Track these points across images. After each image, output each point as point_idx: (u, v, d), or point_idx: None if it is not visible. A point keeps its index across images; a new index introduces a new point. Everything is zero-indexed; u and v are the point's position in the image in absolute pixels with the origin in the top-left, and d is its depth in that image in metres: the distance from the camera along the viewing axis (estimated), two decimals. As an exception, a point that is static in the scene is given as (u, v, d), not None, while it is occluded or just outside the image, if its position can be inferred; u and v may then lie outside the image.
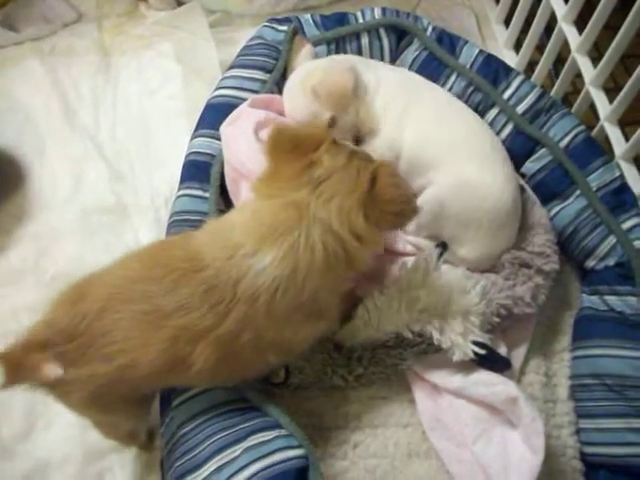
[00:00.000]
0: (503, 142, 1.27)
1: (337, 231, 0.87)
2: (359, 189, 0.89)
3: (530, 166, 1.30)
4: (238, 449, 0.93)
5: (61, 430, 1.23)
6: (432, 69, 1.36)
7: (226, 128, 1.21)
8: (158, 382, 0.94)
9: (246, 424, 0.97)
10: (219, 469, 0.92)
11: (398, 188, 0.92)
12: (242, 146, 1.16)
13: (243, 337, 0.87)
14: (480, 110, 1.32)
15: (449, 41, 1.38)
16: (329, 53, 1.38)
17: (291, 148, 0.92)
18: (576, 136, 1.27)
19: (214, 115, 1.26)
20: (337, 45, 1.39)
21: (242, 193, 1.15)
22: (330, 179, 0.89)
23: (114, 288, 0.88)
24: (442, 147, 1.19)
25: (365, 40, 1.39)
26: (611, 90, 1.38)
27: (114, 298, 0.86)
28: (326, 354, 1.08)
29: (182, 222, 1.17)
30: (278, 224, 0.87)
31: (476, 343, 1.03)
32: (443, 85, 1.35)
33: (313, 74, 1.20)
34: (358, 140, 1.26)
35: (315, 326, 0.95)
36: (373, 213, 0.89)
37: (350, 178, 0.90)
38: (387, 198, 0.90)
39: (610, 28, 1.33)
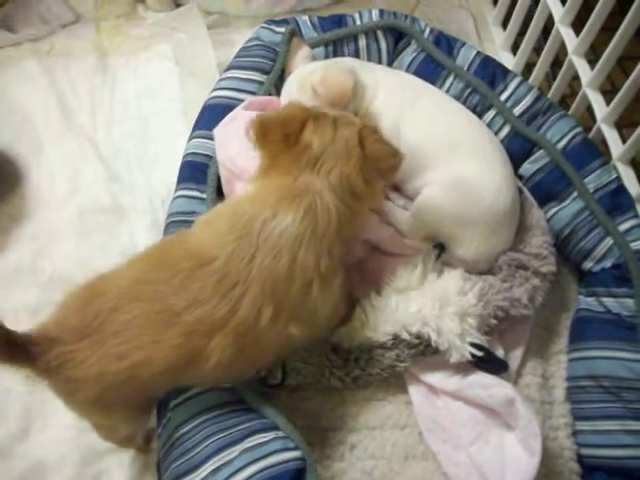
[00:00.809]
0: (500, 143, 1.27)
1: (341, 196, 0.95)
2: (352, 156, 0.97)
3: (527, 168, 1.30)
4: (235, 451, 0.93)
5: (58, 431, 1.23)
6: (429, 71, 1.36)
7: (219, 129, 1.21)
8: (173, 379, 0.93)
9: (243, 426, 0.96)
10: (216, 471, 0.92)
11: (383, 144, 1.00)
12: (234, 146, 1.16)
13: (263, 316, 0.88)
14: (477, 112, 1.32)
15: (446, 43, 1.38)
16: (326, 55, 1.38)
17: (281, 138, 0.97)
18: (573, 138, 1.28)
19: (211, 116, 1.26)
20: (334, 47, 1.38)
21: (237, 192, 1.15)
22: (324, 154, 0.96)
23: (124, 288, 0.89)
24: (440, 148, 1.19)
25: (363, 42, 1.40)
26: (608, 92, 1.38)
27: (125, 298, 0.87)
28: (323, 356, 1.08)
29: (179, 223, 1.16)
30: (290, 192, 0.93)
31: (473, 345, 1.03)
32: (440, 87, 1.35)
33: (312, 75, 1.20)
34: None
35: (333, 284, 0.96)
36: (368, 172, 0.98)
37: (341, 148, 0.97)
38: (377, 156, 0.99)
39: (607, 30, 1.33)
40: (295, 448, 0.94)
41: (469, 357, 1.03)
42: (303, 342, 1.03)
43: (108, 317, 0.86)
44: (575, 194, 1.24)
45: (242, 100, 1.26)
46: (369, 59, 1.40)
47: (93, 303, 0.87)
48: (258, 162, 1.00)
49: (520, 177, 1.31)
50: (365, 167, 0.97)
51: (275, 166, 0.97)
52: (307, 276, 0.91)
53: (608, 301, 1.17)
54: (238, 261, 0.88)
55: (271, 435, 0.95)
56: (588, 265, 1.24)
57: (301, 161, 0.95)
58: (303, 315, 0.94)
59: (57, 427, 1.23)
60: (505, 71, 1.36)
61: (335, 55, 1.38)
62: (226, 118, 1.22)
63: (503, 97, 1.32)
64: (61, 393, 0.91)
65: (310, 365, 1.07)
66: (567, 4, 1.42)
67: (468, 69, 1.35)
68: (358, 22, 1.40)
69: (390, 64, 1.42)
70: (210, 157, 1.22)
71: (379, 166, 0.99)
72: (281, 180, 0.95)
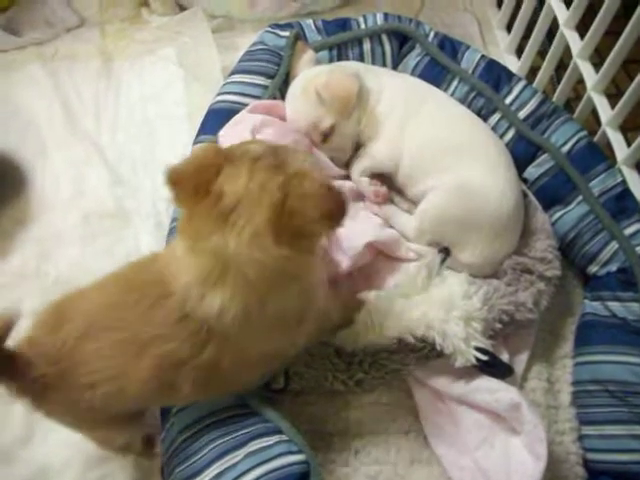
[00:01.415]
0: (505, 147, 1.27)
1: (264, 259, 0.79)
2: (268, 209, 0.78)
3: (532, 171, 1.29)
4: (239, 455, 0.93)
5: (61, 435, 1.21)
6: (434, 75, 1.36)
7: (224, 132, 1.21)
8: (148, 403, 0.94)
9: (247, 430, 0.96)
10: (220, 475, 0.92)
11: (311, 197, 0.79)
12: None
13: (224, 362, 0.85)
14: (482, 115, 1.32)
15: (451, 46, 1.38)
16: (331, 59, 1.38)
17: (193, 189, 0.81)
18: (578, 141, 1.27)
19: (216, 120, 1.25)
20: (339, 51, 1.39)
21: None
22: (237, 207, 0.79)
23: (92, 316, 0.85)
24: (444, 152, 1.19)
25: (367, 46, 1.40)
26: (613, 96, 1.38)
27: (92, 326, 0.84)
28: (326, 359, 1.07)
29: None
30: (211, 268, 0.80)
31: (478, 349, 1.03)
32: (445, 90, 1.35)
33: (317, 79, 1.20)
34: (358, 146, 1.26)
35: (300, 330, 0.91)
36: (288, 229, 0.79)
37: (256, 198, 0.79)
38: (303, 210, 0.79)
39: (612, 34, 1.33)
40: (299, 452, 0.94)
41: (474, 361, 1.02)
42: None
43: (76, 345, 0.84)
44: (580, 198, 1.24)
45: (247, 104, 1.26)
46: (373, 63, 1.40)
47: (61, 330, 0.84)
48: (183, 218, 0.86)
49: (525, 181, 1.31)
50: (286, 220, 0.78)
51: (193, 220, 0.82)
52: (264, 337, 0.87)
53: (614, 305, 1.17)
54: (192, 310, 0.82)
55: (275, 439, 0.95)
56: (593, 269, 1.24)
57: (212, 216, 0.80)
58: (271, 357, 0.93)
59: (60, 431, 1.21)
60: (510, 74, 1.36)
61: (339, 59, 1.38)
62: (231, 121, 1.22)
63: (508, 100, 1.32)
64: (44, 413, 0.90)
65: (313, 369, 1.07)
66: (571, 7, 1.41)
67: (473, 72, 1.35)
68: (362, 26, 1.40)
69: (395, 68, 1.42)
70: (214, 161, 1.22)
71: (308, 219, 0.79)
72: (201, 245, 0.81)
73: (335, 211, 0.80)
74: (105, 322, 0.85)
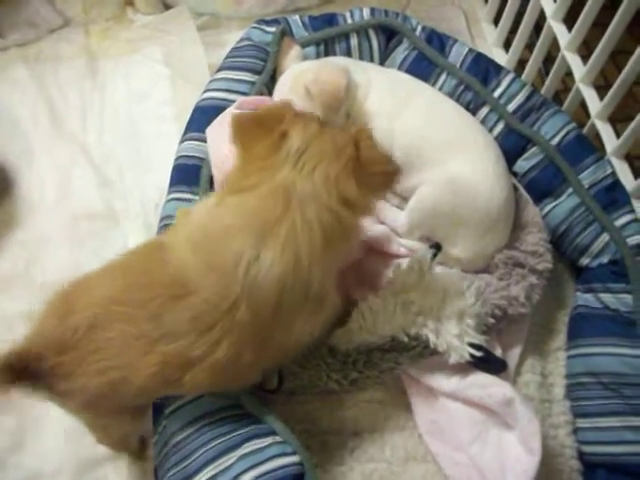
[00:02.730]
0: (494, 141, 1.26)
1: (327, 203, 0.83)
2: (344, 155, 0.85)
3: (522, 164, 1.29)
4: (232, 457, 0.92)
5: (53, 440, 1.21)
6: (422, 69, 1.35)
7: (211, 129, 1.20)
8: (152, 396, 0.93)
9: (240, 431, 0.95)
10: (213, 477, 0.91)
11: (378, 149, 0.90)
12: (223, 146, 1.15)
13: (243, 359, 0.84)
14: (471, 109, 1.31)
15: (438, 40, 1.38)
16: (318, 54, 1.37)
17: (255, 127, 0.88)
18: (567, 134, 1.27)
19: (203, 118, 1.25)
20: (326, 46, 1.38)
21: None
22: (309, 150, 0.85)
23: (99, 307, 0.85)
24: (434, 146, 1.18)
25: (354, 41, 1.39)
26: (601, 87, 1.38)
27: (101, 316, 0.84)
28: (320, 359, 1.07)
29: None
30: (268, 215, 0.82)
31: (472, 345, 1.02)
32: (433, 84, 1.34)
33: (305, 74, 1.19)
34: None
35: (324, 313, 0.91)
36: (362, 177, 0.86)
37: (329, 145, 0.86)
38: (372, 160, 0.88)
39: (599, 25, 1.33)
40: (293, 453, 0.93)
41: (468, 357, 1.02)
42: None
43: (86, 334, 0.83)
44: (570, 190, 1.24)
45: (234, 101, 1.25)
46: (361, 58, 1.39)
47: (70, 318, 0.84)
48: (234, 165, 0.91)
49: (515, 174, 1.30)
50: (358, 170, 0.86)
51: (249, 160, 0.87)
52: (293, 316, 0.86)
53: (606, 297, 1.17)
54: (218, 300, 0.81)
55: (269, 440, 0.94)
56: (585, 261, 1.24)
57: (279, 153, 0.84)
58: (288, 348, 0.92)
59: (52, 436, 1.22)
60: (498, 68, 1.35)
61: (326, 54, 1.37)
62: (218, 118, 1.21)
63: (496, 94, 1.31)
64: (54, 402, 0.90)
65: (307, 369, 1.06)
66: (558, 0, 1.41)
67: (460, 66, 1.34)
68: (349, 21, 1.39)
69: (382, 63, 1.41)
70: (202, 159, 1.21)
71: (375, 170, 0.88)
72: (258, 190, 0.84)
73: (395, 169, 0.90)
74: (113, 315, 0.84)
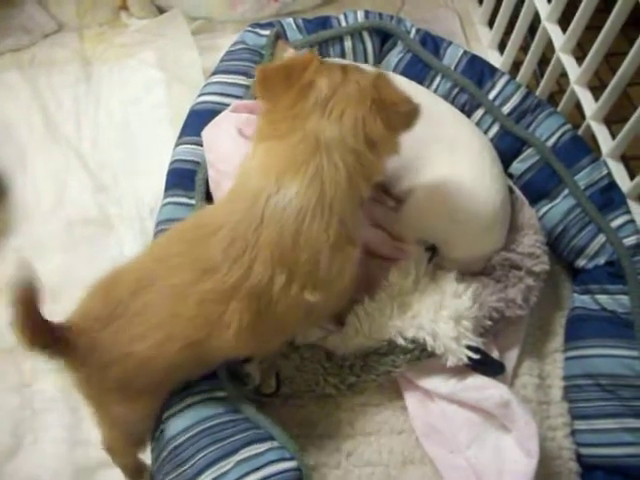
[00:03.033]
0: (490, 143, 1.26)
1: (353, 146, 0.89)
2: (367, 98, 0.90)
3: (517, 166, 1.29)
4: (230, 462, 0.91)
5: (49, 447, 1.21)
6: (416, 71, 1.35)
7: (207, 130, 1.20)
8: (196, 356, 0.92)
9: (237, 437, 0.95)
10: (211, 483, 0.90)
11: (398, 91, 0.94)
12: (225, 143, 1.15)
13: (276, 282, 0.87)
14: (466, 111, 1.31)
15: (433, 43, 1.38)
16: (312, 57, 1.37)
17: (281, 78, 0.92)
18: (563, 135, 1.27)
19: (198, 122, 1.24)
20: (320, 49, 1.37)
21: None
22: (335, 96, 0.90)
23: (142, 271, 0.90)
24: (429, 149, 1.18)
25: (348, 43, 1.38)
26: (596, 89, 1.38)
27: (144, 279, 0.89)
28: (317, 363, 1.06)
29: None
30: (297, 156, 0.88)
31: (469, 347, 1.02)
32: (428, 87, 1.34)
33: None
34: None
35: (346, 253, 0.93)
36: (385, 117, 0.91)
37: (353, 90, 0.90)
38: (394, 100, 0.92)
39: (593, 27, 1.33)
40: (291, 458, 0.93)
41: (466, 360, 1.02)
42: (325, 311, 1.02)
43: (130, 301, 0.87)
44: (566, 192, 1.24)
45: (228, 105, 1.24)
46: (355, 60, 1.39)
47: (115, 290, 0.89)
48: (260, 117, 0.96)
49: (510, 176, 1.30)
50: (382, 110, 0.91)
51: (277, 109, 0.91)
52: (314, 247, 0.89)
53: (603, 298, 1.17)
54: (244, 229, 0.87)
55: (266, 445, 0.94)
56: (581, 263, 1.23)
57: (308, 100, 0.89)
58: (317, 283, 0.92)
59: (49, 443, 1.22)
60: (492, 69, 1.35)
61: (321, 57, 1.37)
62: (214, 121, 1.21)
63: (491, 95, 1.31)
64: (89, 383, 0.92)
65: (304, 373, 1.06)
66: (553, 1, 1.42)
67: (455, 68, 1.34)
68: (343, 23, 1.39)
69: (376, 65, 1.41)
70: (198, 163, 1.21)
71: (398, 109, 0.93)
72: (289, 136, 0.89)
73: (415, 107, 0.94)
74: (155, 273, 0.89)
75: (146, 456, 1.14)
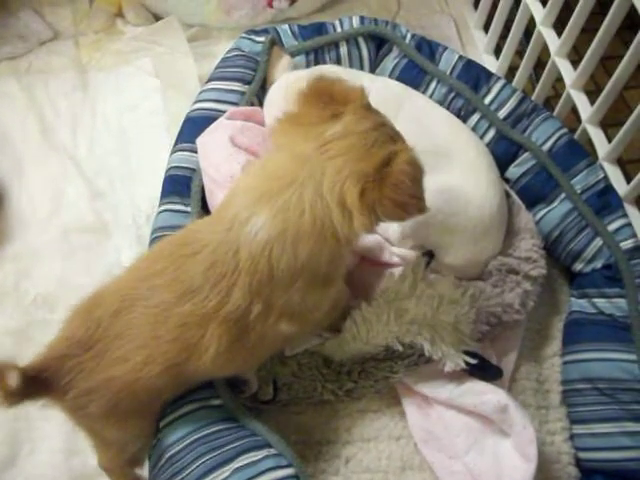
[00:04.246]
0: (486, 148, 1.26)
1: (325, 197, 0.81)
2: (369, 161, 0.81)
3: (514, 171, 1.29)
4: (227, 470, 0.91)
5: (46, 456, 1.20)
6: (412, 76, 1.35)
7: (202, 138, 1.20)
8: (176, 378, 0.92)
9: (234, 444, 0.94)
10: (208, 491, 0.90)
11: (411, 179, 0.81)
12: (217, 152, 1.15)
13: (253, 310, 0.86)
14: (462, 116, 1.31)
15: (428, 48, 1.38)
16: (308, 63, 1.37)
17: (322, 96, 0.87)
18: (559, 139, 1.27)
19: (193, 129, 1.24)
20: (316, 55, 1.37)
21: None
22: (343, 140, 0.83)
23: (125, 290, 0.89)
24: (425, 154, 1.16)
25: (344, 49, 1.38)
26: (592, 92, 1.38)
27: (126, 300, 0.88)
28: (315, 369, 1.06)
29: (164, 238, 1.14)
30: (278, 181, 0.84)
31: (467, 352, 1.02)
32: (424, 92, 1.34)
33: (296, 84, 1.18)
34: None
35: (322, 293, 0.92)
36: (372, 193, 0.80)
37: (364, 146, 0.82)
38: (397, 183, 0.80)
39: (589, 31, 1.34)
40: (288, 465, 0.92)
41: (463, 365, 1.01)
42: (305, 335, 1.02)
43: (110, 322, 0.87)
44: (563, 195, 1.24)
45: (224, 111, 1.24)
46: (351, 66, 1.39)
47: (96, 312, 0.88)
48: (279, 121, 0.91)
49: (507, 180, 1.30)
50: (373, 184, 0.80)
51: (297, 120, 0.88)
52: (285, 283, 0.87)
53: (600, 302, 1.16)
54: (224, 252, 0.85)
55: (263, 453, 0.93)
56: (578, 267, 1.23)
57: (323, 126, 0.84)
58: (293, 316, 0.91)
59: (45, 452, 1.21)
60: (488, 74, 1.35)
61: (316, 63, 1.37)
62: (210, 127, 1.21)
63: (487, 100, 1.31)
64: (75, 410, 0.90)
65: (302, 379, 1.06)
66: (548, 5, 1.42)
67: (451, 73, 1.34)
68: (339, 29, 1.39)
69: (372, 71, 1.41)
70: (193, 170, 1.20)
71: (390, 194, 0.80)
72: (282, 154, 0.87)
73: (417, 207, 0.83)
74: (136, 293, 0.88)
75: (144, 468, 1.14)
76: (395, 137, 0.88)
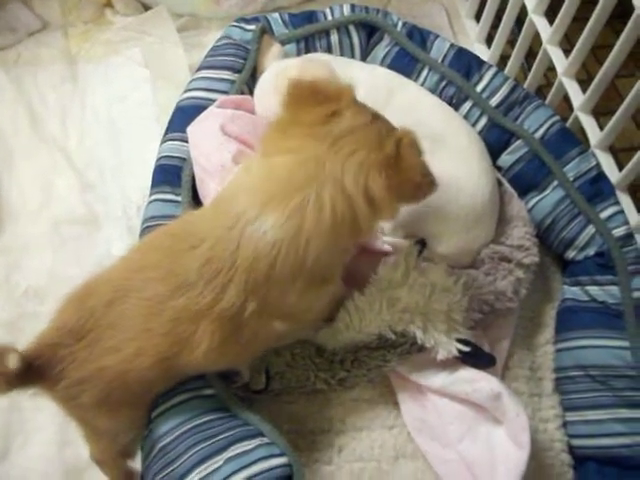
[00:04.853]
0: (478, 136, 1.26)
1: (349, 192, 0.83)
2: (383, 150, 0.84)
3: (506, 159, 1.29)
4: (219, 460, 0.90)
5: (39, 448, 1.20)
6: (404, 64, 1.35)
7: (193, 127, 1.19)
8: (167, 371, 0.91)
9: (227, 434, 0.94)
10: (201, 481, 0.89)
11: (420, 159, 0.88)
12: (208, 141, 1.14)
13: (247, 308, 0.86)
14: (453, 104, 1.31)
15: (420, 36, 1.37)
16: (298, 51, 1.36)
17: (310, 95, 0.88)
18: (551, 127, 1.27)
19: (183, 118, 1.23)
20: (306, 43, 1.37)
21: (211, 193, 1.13)
22: (352, 135, 0.85)
23: (118, 281, 0.89)
24: (417, 143, 1.18)
25: (335, 37, 1.38)
26: (584, 81, 1.38)
27: (119, 290, 0.87)
28: (308, 358, 1.05)
29: (155, 228, 1.13)
30: (288, 184, 0.84)
31: (460, 340, 1.02)
32: (415, 80, 1.33)
33: (287, 72, 1.18)
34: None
35: (319, 292, 0.92)
36: (393, 180, 0.84)
37: (373, 138, 0.85)
38: (410, 166, 0.85)
39: (580, 19, 1.33)
40: (281, 454, 0.92)
41: (456, 353, 1.01)
42: (298, 333, 1.02)
43: (103, 312, 0.86)
44: (555, 183, 1.23)
45: (214, 100, 1.23)
46: (342, 54, 1.38)
47: (88, 301, 0.88)
48: (271, 127, 0.92)
49: (499, 168, 1.30)
50: (392, 171, 0.84)
51: (294, 124, 0.88)
52: (285, 284, 0.87)
53: (593, 289, 1.17)
54: (222, 249, 0.84)
55: (256, 442, 0.93)
56: (571, 254, 1.23)
57: (326, 127, 0.85)
58: (287, 316, 0.92)
59: (38, 444, 1.21)
60: (480, 62, 1.34)
61: (307, 51, 1.37)
62: (200, 116, 1.20)
63: (479, 88, 1.31)
64: (67, 400, 0.90)
65: (295, 368, 1.05)
66: (539, -7, 1.41)
67: (442, 61, 1.34)
68: (329, 17, 1.38)
69: (363, 59, 1.41)
70: (184, 159, 1.20)
71: (409, 177, 0.85)
72: (290, 157, 0.86)
73: (430, 184, 0.88)
74: (130, 285, 0.87)
75: (137, 458, 1.13)
76: (390, 124, 0.91)
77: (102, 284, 0.90)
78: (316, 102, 0.87)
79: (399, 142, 0.85)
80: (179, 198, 1.16)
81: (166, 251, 0.88)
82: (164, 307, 0.85)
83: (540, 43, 1.43)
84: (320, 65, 1.19)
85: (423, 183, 0.88)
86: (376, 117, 0.89)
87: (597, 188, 1.22)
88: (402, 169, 0.85)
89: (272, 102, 1.18)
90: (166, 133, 1.26)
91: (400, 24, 1.38)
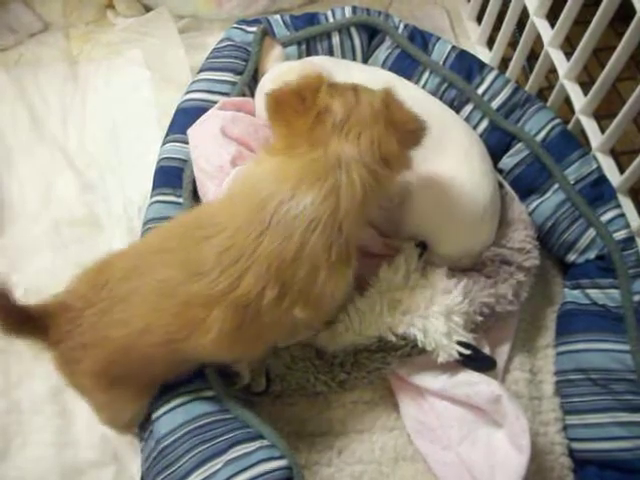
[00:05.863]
0: (479, 138, 1.26)
1: (370, 165, 0.91)
2: (381, 118, 0.93)
3: (507, 161, 1.29)
4: (219, 462, 0.91)
5: (38, 449, 1.19)
6: (405, 67, 1.35)
7: (193, 129, 1.19)
8: (174, 353, 0.91)
9: (227, 436, 0.94)
10: (201, 483, 0.89)
11: (407, 109, 0.96)
12: (208, 143, 1.14)
13: (266, 295, 0.87)
14: (455, 106, 1.30)
15: (421, 38, 1.37)
16: (300, 54, 1.36)
17: (296, 102, 0.93)
18: (552, 129, 1.27)
19: (185, 120, 1.23)
20: (308, 45, 1.37)
21: (210, 194, 1.13)
22: (351, 118, 0.92)
23: (135, 259, 0.92)
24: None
25: (336, 39, 1.38)
26: (585, 84, 1.38)
27: (134, 268, 0.90)
28: (308, 361, 1.06)
29: (156, 230, 1.14)
30: (316, 169, 0.89)
31: (460, 343, 1.02)
32: (416, 83, 1.33)
33: (287, 75, 1.18)
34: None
35: (342, 274, 0.93)
36: (396, 136, 0.93)
37: (367, 112, 0.93)
38: (404, 119, 0.95)
39: (582, 22, 1.33)
40: (281, 457, 0.92)
41: (457, 356, 1.01)
42: (311, 324, 1.02)
43: (116, 285, 0.89)
44: (556, 186, 1.23)
45: (215, 102, 1.23)
46: (343, 56, 1.38)
47: (104, 273, 0.91)
48: (273, 135, 0.98)
49: (500, 171, 1.30)
50: (395, 130, 0.94)
51: (292, 134, 0.93)
52: (314, 263, 0.89)
53: (593, 293, 1.17)
54: (245, 236, 0.87)
55: (256, 444, 0.93)
56: (572, 257, 1.23)
57: (326, 125, 0.91)
58: (309, 301, 0.92)
59: (37, 446, 1.20)
60: (481, 65, 1.34)
61: (308, 54, 1.36)
62: (201, 118, 1.20)
63: (480, 91, 1.31)
64: (68, 363, 0.92)
65: (295, 371, 1.06)
66: (541, -4, 1.41)
67: (444, 64, 1.34)
68: (331, 19, 1.38)
69: (365, 61, 1.40)
70: (185, 161, 1.20)
71: (407, 128, 0.96)
72: (309, 154, 0.91)
73: (422, 125, 0.97)
74: (146, 265, 0.90)
75: (137, 459, 1.13)
76: (369, 90, 0.98)
77: (120, 260, 0.93)
78: (304, 107, 0.93)
79: (388, 104, 0.95)
80: (180, 200, 1.16)
81: (184, 239, 0.91)
82: (177, 290, 0.87)
83: (541, 45, 1.43)
84: (318, 68, 1.19)
85: (419, 128, 0.97)
86: (355, 90, 0.96)
87: (598, 191, 1.22)
88: (399, 125, 0.94)
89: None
90: (167, 134, 1.26)
91: (401, 26, 1.38)
